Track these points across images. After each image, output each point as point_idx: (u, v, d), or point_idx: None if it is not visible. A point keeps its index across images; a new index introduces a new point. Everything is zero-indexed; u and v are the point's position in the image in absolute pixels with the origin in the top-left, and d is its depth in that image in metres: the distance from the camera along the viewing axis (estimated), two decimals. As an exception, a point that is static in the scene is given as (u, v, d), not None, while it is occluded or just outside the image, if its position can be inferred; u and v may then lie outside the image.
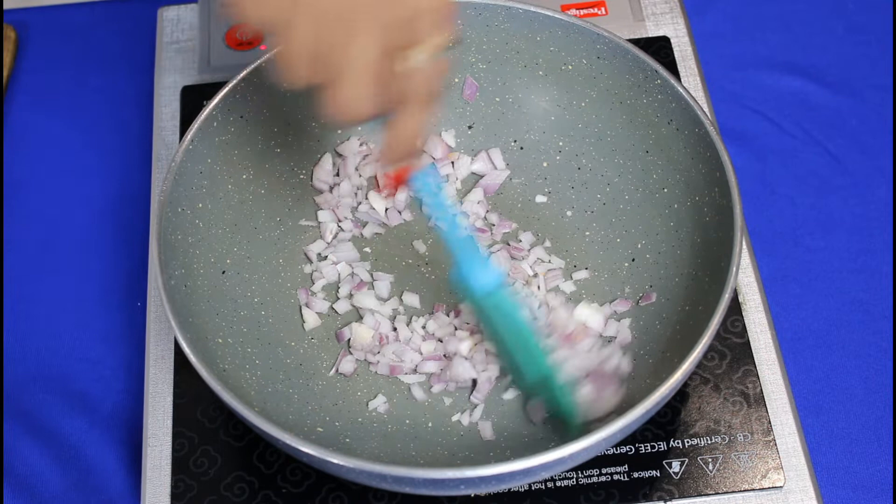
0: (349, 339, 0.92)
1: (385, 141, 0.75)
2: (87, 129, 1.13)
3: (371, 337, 0.92)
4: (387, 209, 0.98)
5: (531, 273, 0.95)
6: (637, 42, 1.06)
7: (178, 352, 0.92)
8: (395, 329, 0.92)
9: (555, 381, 0.85)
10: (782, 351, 0.94)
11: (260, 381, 0.86)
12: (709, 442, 0.88)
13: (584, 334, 0.90)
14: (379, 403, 0.90)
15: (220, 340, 0.86)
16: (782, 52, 1.17)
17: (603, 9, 1.11)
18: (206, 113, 0.89)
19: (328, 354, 0.92)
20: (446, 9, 0.72)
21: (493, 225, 0.98)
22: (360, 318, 0.93)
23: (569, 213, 0.98)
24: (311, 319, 0.93)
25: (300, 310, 0.94)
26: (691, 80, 1.06)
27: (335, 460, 0.74)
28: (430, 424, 0.89)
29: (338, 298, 0.94)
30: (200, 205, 0.90)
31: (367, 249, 0.97)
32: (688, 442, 0.88)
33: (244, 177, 0.94)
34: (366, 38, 0.69)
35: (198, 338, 0.82)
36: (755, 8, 1.20)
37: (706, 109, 1.04)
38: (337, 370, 0.91)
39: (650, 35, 1.09)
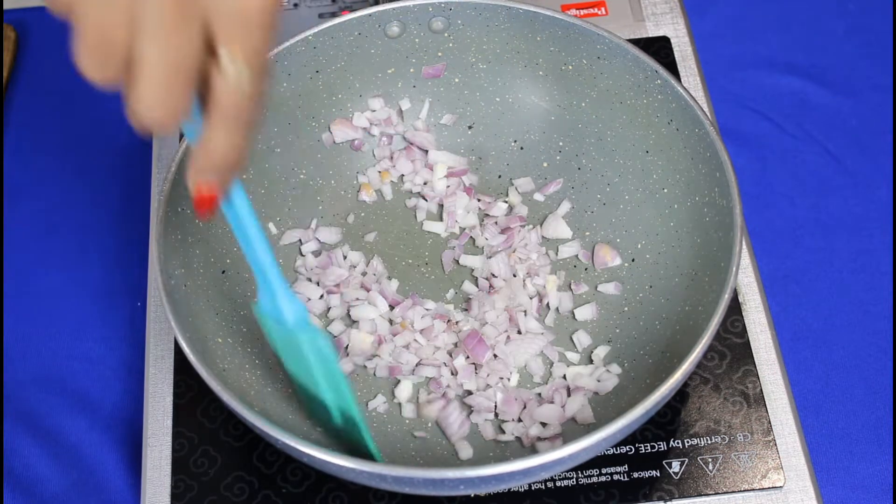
0: (347, 346, 0.92)
1: (193, 155, 0.63)
2: (86, 129, 1.13)
3: (370, 343, 0.91)
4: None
5: (526, 273, 0.95)
6: (637, 42, 1.07)
7: (178, 352, 0.92)
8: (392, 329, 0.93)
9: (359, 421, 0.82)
10: (782, 351, 0.94)
11: (260, 381, 0.86)
12: (709, 442, 0.88)
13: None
14: (378, 403, 0.90)
15: (220, 340, 0.86)
16: (782, 52, 1.17)
17: (603, 9, 1.11)
18: (205, 113, 0.89)
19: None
20: (259, 15, 0.59)
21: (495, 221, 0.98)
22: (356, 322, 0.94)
23: (569, 214, 0.98)
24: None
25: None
26: (691, 81, 1.06)
27: (334, 461, 0.74)
28: (430, 424, 0.89)
29: (331, 320, 0.94)
30: (200, 205, 0.90)
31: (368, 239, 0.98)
32: (688, 442, 0.88)
33: (244, 177, 0.94)
34: (162, 37, 0.57)
35: (197, 337, 0.82)
36: (755, 8, 1.20)
37: (706, 109, 1.04)
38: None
39: (650, 35, 1.09)
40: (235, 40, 0.59)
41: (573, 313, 0.93)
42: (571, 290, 0.94)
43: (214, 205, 0.66)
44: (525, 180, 0.99)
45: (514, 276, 0.95)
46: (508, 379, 0.90)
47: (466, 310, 0.93)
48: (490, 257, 0.95)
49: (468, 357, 0.90)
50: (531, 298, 0.94)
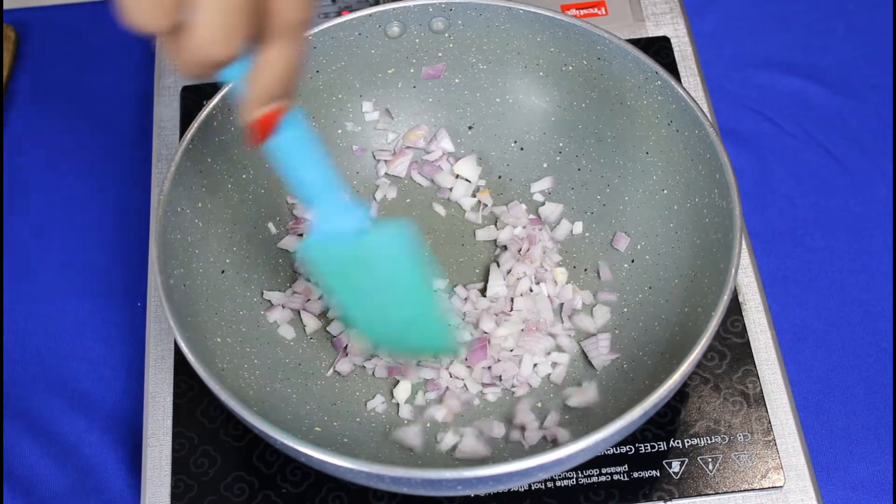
0: (346, 346, 0.92)
1: (249, 85, 0.66)
2: (87, 128, 1.13)
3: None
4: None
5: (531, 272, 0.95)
6: (637, 42, 1.07)
7: (178, 352, 0.92)
8: None
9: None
10: (782, 351, 0.94)
11: (258, 381, 0.86)
12: (709, 442, 0.88)
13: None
14: (377, 403, 0.90)
15: (219, 340, 0.86)
16: (782, 52, 1.17)
17: (603, 9, 1.11)
18: (205, 113, 0.89)
19: (327, 354, 0.92)
20: None
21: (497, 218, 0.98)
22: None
23: (569, 214, 0.98)
24: (311, 323, 0.93)
25: (299, 313, 0.94)
26: (691, 81, 1.06)
27: (332, 461, 0.74)
28: (428, 425, 0.89)
29: (330, 320, 0.94)
30: (200, 204, 0.90)
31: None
32: (688, 442, 0.88)
33: (244, 176, 0.94)
34: None
35: (196, 337, 0.82)
36: (755, 8, 1.20)
37: (706, 110, 1.04)
38: (334, 369, 0.91)
39: (650, 35, 1.09)
40: None
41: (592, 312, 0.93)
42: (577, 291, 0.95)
43: (272, 129, 0.68)
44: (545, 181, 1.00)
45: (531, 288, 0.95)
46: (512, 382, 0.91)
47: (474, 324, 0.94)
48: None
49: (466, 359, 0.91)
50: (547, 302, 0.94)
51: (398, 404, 0.90)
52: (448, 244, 0.98)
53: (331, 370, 0.91)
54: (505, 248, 0.97)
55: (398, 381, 0.91)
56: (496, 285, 0.94)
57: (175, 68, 0.62)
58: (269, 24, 0.63)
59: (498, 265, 0.95)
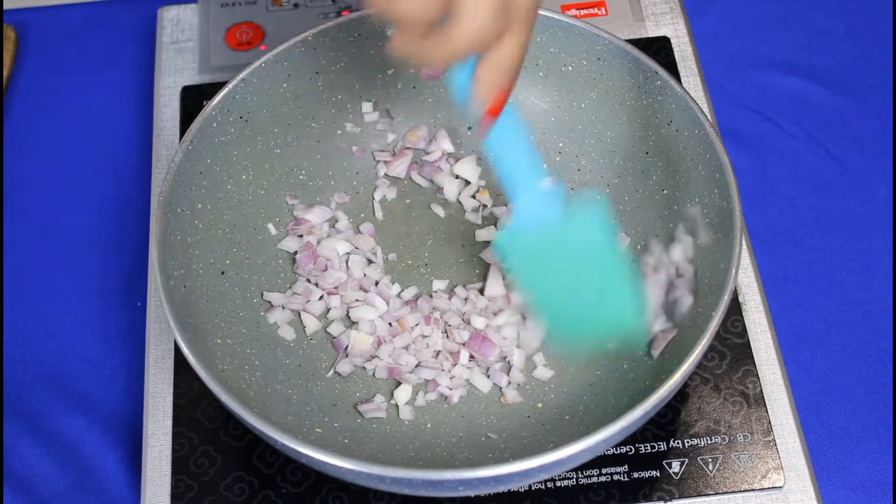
0: (347, 347, 0.92)
1: (485, 73, 0.72)
2: (86, 129, 1.13)
3: (370, 343, 0.92)
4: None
5: None
6: (637, 42, 1.07)
7: (178, 352, 0.92)
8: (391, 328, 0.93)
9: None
10: (782, 351, 0.94)
11: (259, 382, 0.86)
12: (709, 442, 0.88)
13: None
14: (377, 404, 0.90)
15: (220, 341, 0.86)
16: (782, 52, 1.17)
17: (603, 9, 1.11)
18: (205, 113, 0.89)
19: (327, 355, 0.92)
20: None
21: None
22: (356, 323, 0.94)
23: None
24: (311, 324, 0.93)
25: (299, 314, 0.94)
26: (691, 81, 1.06)
27: (333, 462, 0.74)
28: (428, 425, 0.89)
29: (331, 321, 0.94)
30: (200, 205, 0.90)
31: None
32: (688, 442, 0.88)
33: (244, 177, 0.94)
34: None
35: (197, 338, 0.82)
36: (755, 8, 1.20)
37: (706, 110, 1.04)
38: (335, 370, 0.91)
39: (650, 35, 1.09)
40: None
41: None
42: None
43: (502, 107, 0.75)
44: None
45: None
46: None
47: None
48: None
49: (472, 357, 0.91)
50: None
51: (398, 406, 0.90)
52: (448, 244, 0.98)
53: (331, 371, 0.91)
54: None
55: (399, 383, 0.91)
56: (494, 285, 0.94)
57: (417, 59, 0.70)
58: (512, 15, 0.69)
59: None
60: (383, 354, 0.91)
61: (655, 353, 0.87)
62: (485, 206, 0.99)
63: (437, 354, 0.91)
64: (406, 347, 0.91)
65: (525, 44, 0.72)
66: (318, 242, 0.96)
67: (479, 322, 0.92)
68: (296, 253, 0.95)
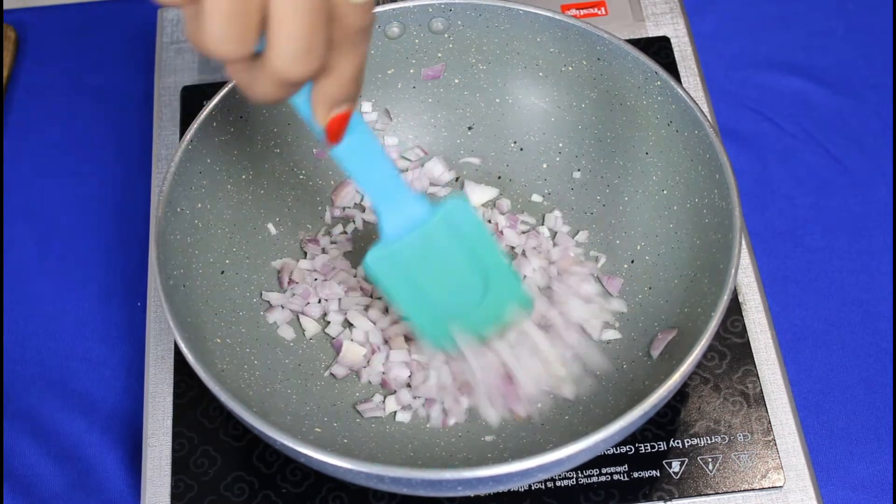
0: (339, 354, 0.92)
1: (321, 89, 0.68)
2: (86, 129, 1.13)
3: (362, 356, 0.91)
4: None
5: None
6: (637, 42, 1.07)
7: (178, 352, 0.92)
8: (386, 342, 0.93)
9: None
10: (782, 351, 0.94)
11: (258, 382, 0.86)
12: (709, 442, 0.88)
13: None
14: (376, 403, 0.90)
15: (219, 340, 0.86)
16: (782, 52, 1.17)
17: (603, 9, 1.11)
18: (205, 113, 0.89)
19: (326, 355, 0.92)
20: None
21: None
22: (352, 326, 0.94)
23: (568, 215, 0.98)
24: (310, 327, 0.93)
25: (298, 317, 0.94)
26: (691, 81, 1.06)
27: (332, 461, 0.74)
28: (427, 425, 0.89)
29: (328, 323, 0.94)
30: (199, 205, 0.90)
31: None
32: (688, 442, 0.88)
33: (243, 177, 0.94)
34: None
35: (196, 338, 0.82)
36: (755, 8, 1.20)
37: (706, 110, 1.04)
38: (330, 372, 0.91)
39: (650, 35, 1.09)
40: None
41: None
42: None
43: (344, 129, 0.71)
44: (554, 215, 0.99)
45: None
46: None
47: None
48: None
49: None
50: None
51: (395, 412, 0.90)
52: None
53: (327, 371, 0.91)
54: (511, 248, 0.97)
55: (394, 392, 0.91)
56: None
57: (248, 94, 0.65)
58: (336, 32, 0.64)
59: None
60: (375, 363, 0.91)
61: (655, 353, 0.87)
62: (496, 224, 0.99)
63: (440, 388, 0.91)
64: (403, 363, 0.91)
65: (358, 64, 0.67)
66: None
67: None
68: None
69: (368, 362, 0.91)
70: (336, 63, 0.66)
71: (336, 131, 0.70)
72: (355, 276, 0.95)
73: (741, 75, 1.15)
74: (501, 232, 0.97)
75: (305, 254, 0.96)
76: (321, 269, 0.95)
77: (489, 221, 0.98)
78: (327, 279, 0.95)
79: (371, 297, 0.94)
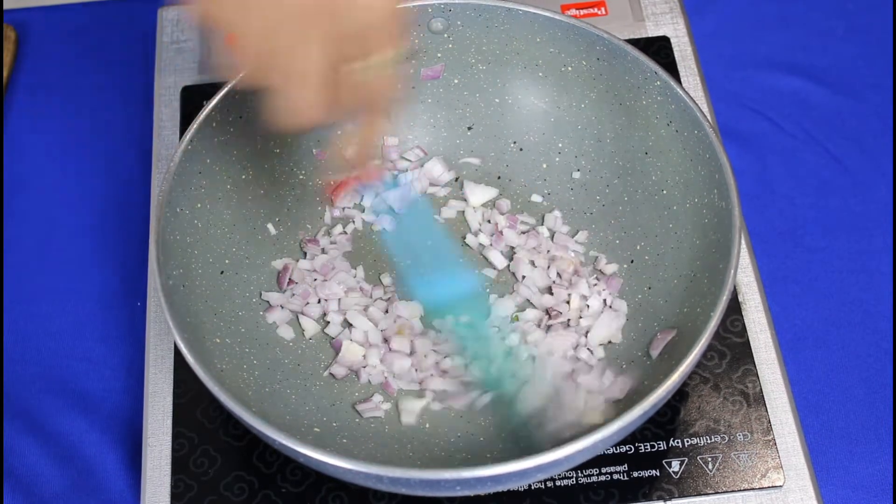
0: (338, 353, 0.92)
1: (342, 149, 0.75)
2: (86, 129, 1.13)
3: (362, 356, 0.91)
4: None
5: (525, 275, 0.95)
6: (637, 42, 1.07)
7: (179, 352, 0.92)
8: (385, 341, 0.93)
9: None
10: (782, 351, 0.94)
11: (257, 381, 0.86)
12: (708, 441, 0.88)
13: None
14: (376, 403, 0.90)
15: (218, 340, 0.86)
16: (782, 52, 1.17)
17: (603, 9, 1.11)
18: (205, 113, 0.89)
19: (326, 355, 0.92)
20: (396, 24, 0.73)
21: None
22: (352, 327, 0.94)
23: (567, 215, 0.98)
24: (309, 327, 0.93)
25: (297, 317, 0.94)
26: (691, 80, 1.06)
27: (330, 461, 0.74)
28: (427, 425, 0.89)
29: (327, 323, 0.94)
30: (199, 205, 0.90)
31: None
32: (687, 441, 0.89)
33: (243, 177, 0.94)
34: (313, 47, 0.69)
35: (195, 338, 0.82)
36: (755, 8, 1.20)
37: (706, 110, 1.04)
38: (329, 372, 0.91)
39: (650, 35, 1.09)
40: (384, 47, 0.72)
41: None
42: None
43: (345, 191, 0.83)
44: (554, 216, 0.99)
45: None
46: None
47: None
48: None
49: None
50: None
51: (399, 413, 0.90)
52: (448, 244, 0.98)
53: (326, 371, 0.91)
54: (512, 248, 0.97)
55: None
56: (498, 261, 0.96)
57: (267, 121, 0.72)
58: (357, 102, 0.72)
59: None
60: (373, 361, 0.91)
61: (654, 353, 0.87)
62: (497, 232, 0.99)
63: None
64: (404, 354, 0.92)
65: (371, 135, 0.76)
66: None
67: None
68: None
69: (368, 362, 0.91)
70: (367, 126, 0.75)
71: (335, 190, 0.82)
72: (355, 277, 0.95)
73: (741, 75, 1.15)
74: (501, 232, 0.97)
75: (305, 254, 0.96)
76: (321, 270, 0.95)
77: (489, 221, 0.98)
78: (327, 279, 0.95)
79: (371, 297, 0.95)
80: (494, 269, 0.96)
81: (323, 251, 0.97)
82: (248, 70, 0.72)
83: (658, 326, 0.88)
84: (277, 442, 0.75)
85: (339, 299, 0.94)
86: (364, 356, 0.91)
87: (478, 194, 0.99)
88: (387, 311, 0.93)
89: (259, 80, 0.71)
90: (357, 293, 0.94)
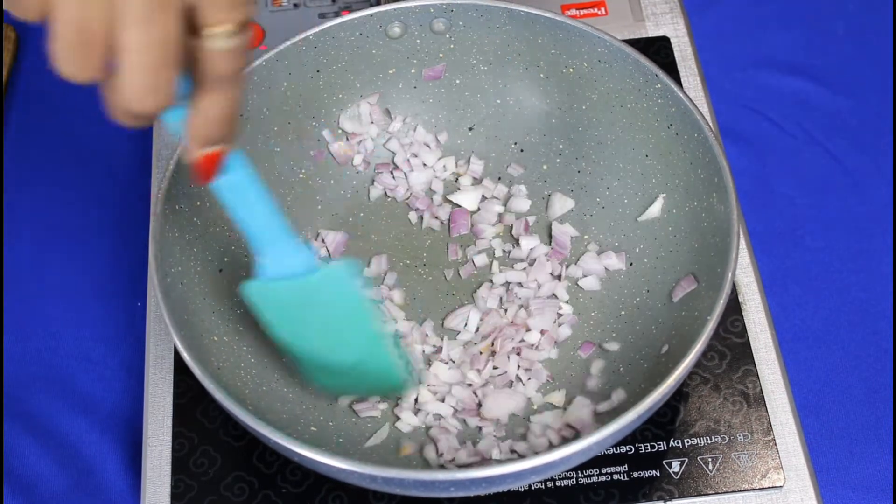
0: None
1: (187, 129, 0.67)
2: (86, 128, 1.13)
3: None
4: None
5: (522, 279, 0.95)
6: (637, 42, 1.07)
7: (178, 352, 0.92)
8: None
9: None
10: (782, 351, 0.94)
11: (255, 380, 0.86)
12: (708, 442, 0.89)
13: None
14: (374, 403, 0.89)
15: (216, 339, 0.86)
16: (782, 52, 1.17)
17: (603, 9, 1.11)
18: (205, 112, 0.89)
19: (324, 355, 0.92)
20: None
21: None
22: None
23: (567, 217, 0.98)
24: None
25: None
26: (691, 81, 1.06)
27: (325, 461, 0.74)
28: (424, 426, 0.89)
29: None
30: (198, 203, 0.90)
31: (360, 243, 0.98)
32: (688, 442, 0.89)
33: (242, 175, 0.94)
34: (145, 23, 0.59)
35: (193, 335, 0.82)
36: (755, 8, 1.20)
37: (706, 110, 1.04)
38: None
39: (650, 35, 1.09)
40: (223, 17, 0.62)
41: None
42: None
43: (214, 171, 0.70)
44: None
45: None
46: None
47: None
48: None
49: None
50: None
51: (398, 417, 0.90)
52: (448, 244, 0.98)
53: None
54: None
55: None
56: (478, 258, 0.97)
57: (112, 116, 0.64)
58: (202, 74, 0.64)
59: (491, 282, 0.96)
60: None
61: (675, 298, 0.88)
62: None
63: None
64: None
65: (226, 107, 0.66)
66: None
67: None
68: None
69: None
70: (203, 103, 0.65)
71: (204, 170, 0.70)
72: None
73: (741, 75, 1.15)
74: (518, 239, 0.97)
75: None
76: None
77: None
78: None
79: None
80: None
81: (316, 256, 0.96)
82: (72, 60, 0.61)
83: (656, 329, 0.88)
84: (273, 441, 0.75)
85: None
86: None
87: (477, 195, 0.99)
88: (384, 321, 0.93)
89: (86, 69, 0.61)
90: None
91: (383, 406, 0.89)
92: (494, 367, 0.91)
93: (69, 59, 0.60)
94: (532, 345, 0.92)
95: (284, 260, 0.79)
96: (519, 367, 0.91)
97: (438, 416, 0.89)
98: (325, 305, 0.81)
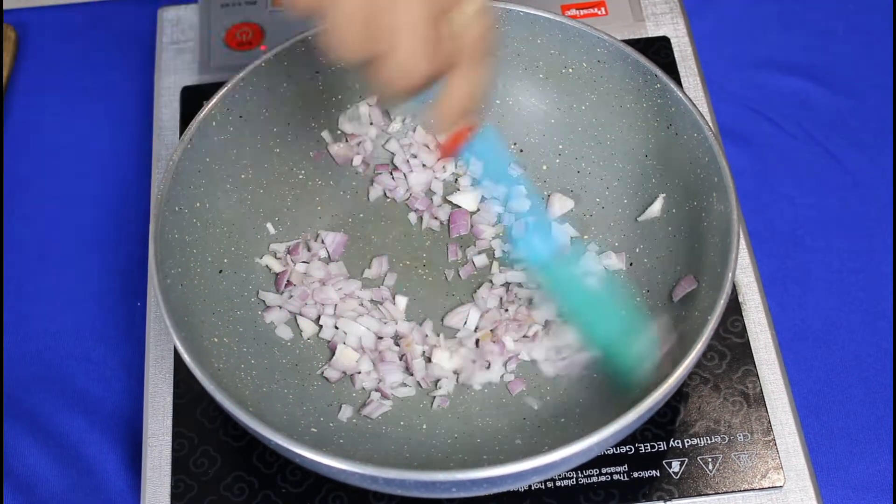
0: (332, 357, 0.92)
1: (440, 105, 0.74)
2: (86, 129, 1.13)
3: (356, 361, 0.91)
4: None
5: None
6: (637, 42, 1.07)
7: (178, 351, 0.92)
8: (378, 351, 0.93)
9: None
10: (782, 351, 0.94)
11: (255, 381, 0.86)
12: (708, 442, 0.89)
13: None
14: (373, 401, 0.90)
15: (216, 340, 0.86)
16: (782, 52, 1.17)
17: (603, 9, 1.11)
18: (204, 112, 0.89)
19: (323, 355, 0.92)
20: None
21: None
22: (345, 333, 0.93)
23: (567, 217, 0.98)
24: (307, 327, 0.93)
25: (295, 318, 0.93)
26: (691, 81, 1.06)
27: (325, 461, 0.74)
28: (424, 427, 0.89)
29: (321, 327, 0.94)
30: (198, 204, 0.90)
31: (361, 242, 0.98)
32: (688, 442, 0.89)
33: (242, 176, 0.94)
34: (411, 2, 0.69)
35: (193, 336, 0.83)
36: (755, 8, 1.20)
37: (706, 110, 1.04)
38: (323, 374, 0.91)
39: (650, 35, 1.09)
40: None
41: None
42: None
43: (462, 145, 0.78)
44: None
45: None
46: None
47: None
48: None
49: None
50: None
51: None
52: (447, 243, 0.98)
53: (319, 371, 0.91)
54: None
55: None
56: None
57: (375, 94, 0.77)
58: (457, 52, 0.71)
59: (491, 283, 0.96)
60: (366, 367, 0.91)
61: (675, 298, 0.89)
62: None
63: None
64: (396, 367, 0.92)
65: (475, 85, 0.74)
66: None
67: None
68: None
69: (360, 368, 0.91)
70: (455, 80, 0.73)
71: (453, 145, 0.78)
72: (353, 281, 0.95)
73: (741, 75, 1.15)
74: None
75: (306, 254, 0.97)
76: (316, 275, 0.95)
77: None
78: (325, 284, 0.94)
79: (368, 303, 0.94)
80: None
81: (316, 257, 0.96)
82: (351, 41, 0.70)
83: (656, 329, 0.88)
84: (273, 442, 0.75)
85: (335, 305, 0.94)
86: (357, 362, 0.91)
87: (477, 195, 0.99)
88: (384, 321, 0.93)
89: (364, 49, 0.70)
90: (354, 300, 0.94)
91: (387, 405, 0.90)
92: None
93: (351, 41, 0.69)
94: (530, 336, 0.92)
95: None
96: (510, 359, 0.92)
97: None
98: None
